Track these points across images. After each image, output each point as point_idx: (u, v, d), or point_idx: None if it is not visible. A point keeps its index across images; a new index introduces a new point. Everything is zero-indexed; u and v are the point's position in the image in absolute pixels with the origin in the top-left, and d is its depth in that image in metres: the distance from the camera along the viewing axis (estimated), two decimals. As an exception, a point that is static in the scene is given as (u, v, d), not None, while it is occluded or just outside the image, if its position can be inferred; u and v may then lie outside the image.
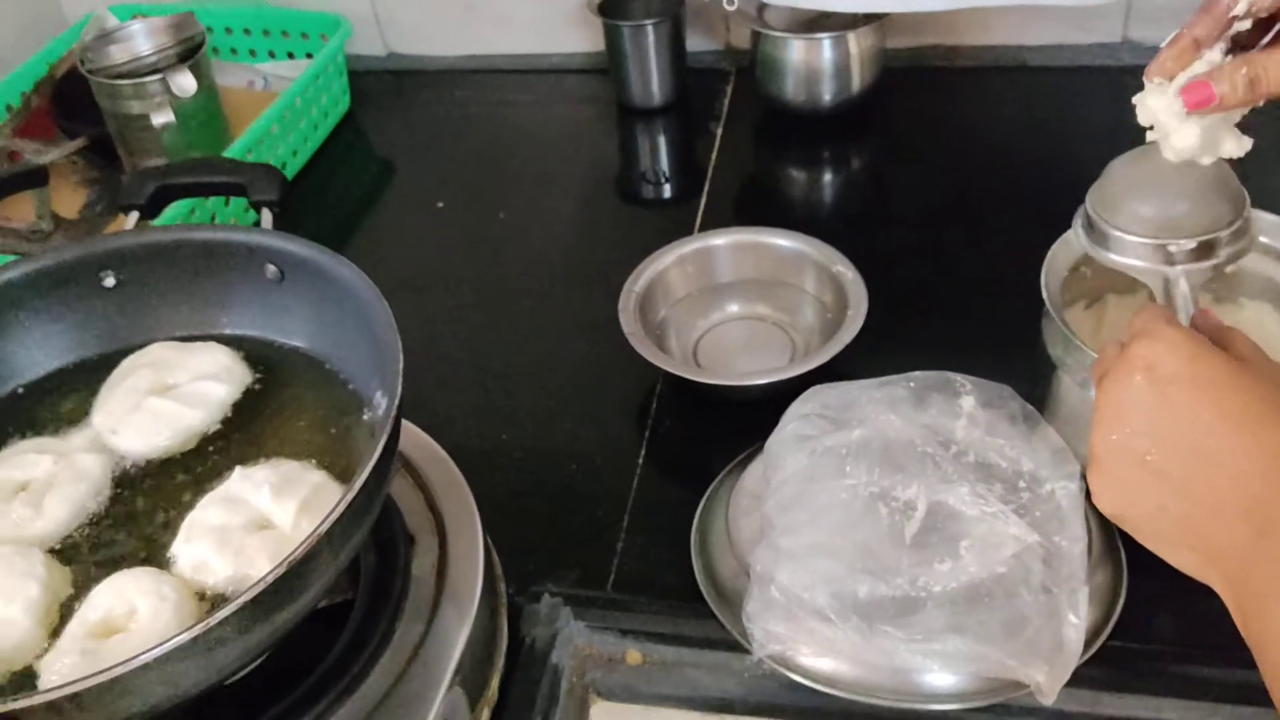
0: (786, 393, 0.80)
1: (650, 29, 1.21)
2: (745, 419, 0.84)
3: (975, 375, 0.78)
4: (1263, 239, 0.82)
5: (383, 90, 1.39)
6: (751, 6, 1.17)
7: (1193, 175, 0.63)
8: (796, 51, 1.16)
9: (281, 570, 0.53)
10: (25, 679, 0.58)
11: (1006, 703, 0.68)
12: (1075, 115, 1.18)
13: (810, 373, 0.85)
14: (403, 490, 0.76)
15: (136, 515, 0.66)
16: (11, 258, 0.92)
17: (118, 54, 1.13)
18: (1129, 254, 0.65)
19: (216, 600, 0.61)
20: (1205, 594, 0.53)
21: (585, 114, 1.32)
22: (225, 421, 0.71)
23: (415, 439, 0.80)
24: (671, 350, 0.94)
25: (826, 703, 0.70)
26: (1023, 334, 0.86)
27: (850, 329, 0.87)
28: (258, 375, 0.74)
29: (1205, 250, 0.63)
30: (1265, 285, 0.84)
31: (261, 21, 1.35)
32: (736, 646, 0.72)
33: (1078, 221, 0.69)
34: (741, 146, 1.23)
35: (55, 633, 0.60)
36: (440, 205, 1.20)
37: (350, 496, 0.56)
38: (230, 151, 1.11)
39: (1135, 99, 0.63)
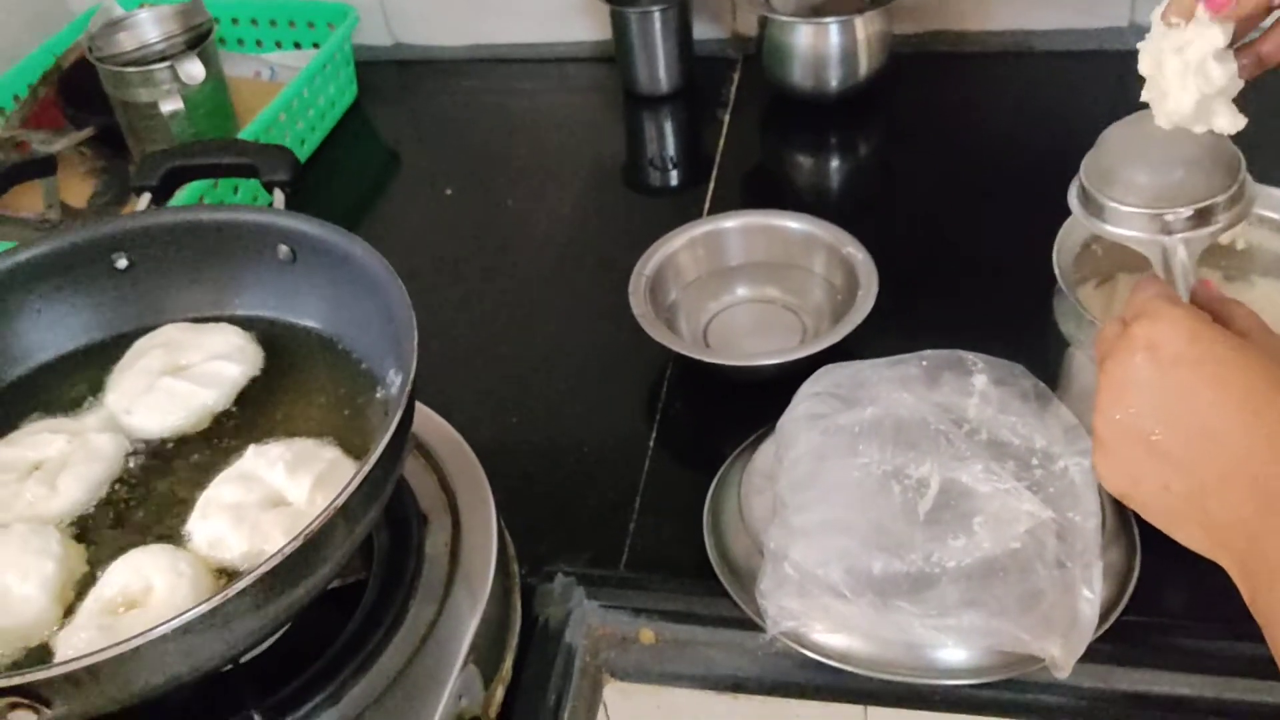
0: (797, 374, 0.80)
1: (657, 16, 1.21)
2: (756, 400, 0.83)
3: (986, 354, 0.78)
4: (1274, 215, 0.82)
5: (389, 80, 1.39)
6: (759, -9, 1.17)
7: (1187, 141, 0.63)
8: (803, 37, 1.16)
9: (298, 544, 0.53)
10: (42, 654, 0.58)
11: (1021, 677, 0.68)
12: (1081, 99, 1.18)
13: (821, 353, 0.85)
14: (416, 471, 0.76)
15: (151, 493, 0.66)
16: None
17: (126, 41, 1.13)
18: (1125, 225, 0.64)
19: (233, 576, 0.61)
20: (1217, 569, 0.53)
21: (592, 102, 1.32)
22: (238, 401, 0.71)
23: (428, 421, 0.80)
24: (682, 333, 0.94)
25: (841, 680, 0.70)
26: (1033, 313, 0.86)
27: (861, 309, 0.87)
28: (270, 355, 0.74)
29: (1203, 217, 0.62)
30: (1276, 262, 0.84)
31: (268, 11, 1.35)
32: (750, 625, 0.72)
33: (1073, 193, 0.68)
34: (749, 133, 1.23)
35: (71, 609, 0.60)
36: (449, 192, 1.20)
37: (366, 469, 0.56)
38: (238, 139, 1.11)
39: (1140, 45, 0.62)
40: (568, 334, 1.00)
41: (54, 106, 1.26)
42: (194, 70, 1.11)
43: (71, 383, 0.73)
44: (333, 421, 0.69)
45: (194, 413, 0.70)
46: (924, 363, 0.78)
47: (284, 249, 0.73)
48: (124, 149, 1.21)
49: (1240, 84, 0.61)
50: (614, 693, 0.77)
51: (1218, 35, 0.59)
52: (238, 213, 0.75)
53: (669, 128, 1.28)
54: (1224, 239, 0.85)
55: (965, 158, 1.15)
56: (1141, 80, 0.63)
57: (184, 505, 0.64)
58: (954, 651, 0.68)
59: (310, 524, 0.53)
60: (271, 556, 0.52)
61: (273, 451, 0.65)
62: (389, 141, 1.32)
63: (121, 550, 0.62)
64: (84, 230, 0.75)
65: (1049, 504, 0.70)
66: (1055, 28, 1.25)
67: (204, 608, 0.50)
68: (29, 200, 1.17)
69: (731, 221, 0.98)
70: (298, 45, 1.35)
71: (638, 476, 0.86)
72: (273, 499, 0.63)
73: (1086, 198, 0.67)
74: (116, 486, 0.67)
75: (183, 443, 0.69)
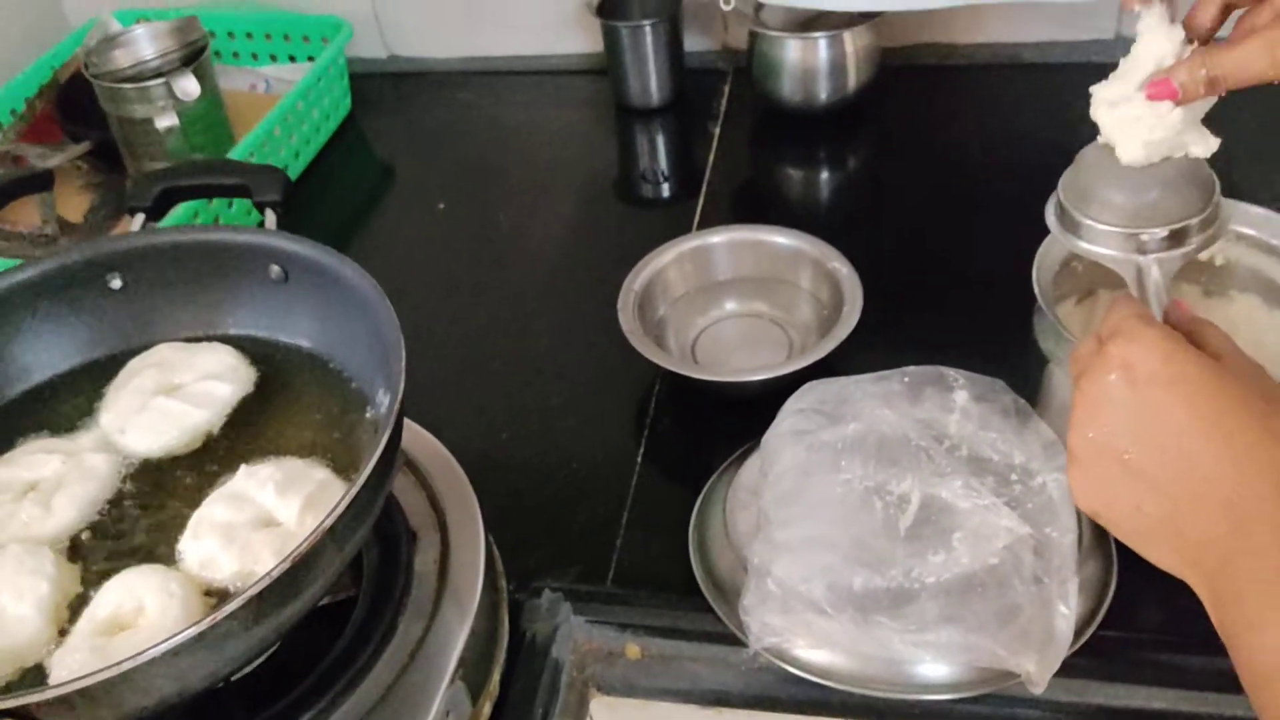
0: (783, 389, 0.81)
1: (648, 29, 1.22)
2: (743, 415, 0.84)
3: (969, 369, 0.79)
4: (1251, 232, 0.84)
5: (384, 92, 1.40)
6: (748, 6, 1.18)
7: (1163, 163, 0.64)
8: (793, 51, 1.17)
9: (286, 566, 0.54)
10: (36, 675, 0.60)
11: (999, 692, 0.69)
12: (1069, 111, 1.18)
13: (806, 369, 0.86)
14: (405, 488, 0.77)
15: (144, 513, 0.67)
16: (17, 262, 0.94)
17: (121, 58, 1.14)
18: (1101, 243, 0.65)
19: (223, 596, 0.62)
20: (1191, 586, 0.54)
21: (584, 115, 1.33)
22: (230, 420, 0.72)
23: (417, 437, 0.81)
24: (670, 348, 0.95)
25: (823, 694, 0.71)
26: (1016, 328, 0.87)
27: (845, 325, 0.88)
28: (262, 374, 0.75)
29: (1177, 238, 0.63)
30: (1255, 278, 0.85)
31: (263, 25, 1.36)
32: (734, 640, 0.73)
33: (1051, 209, 0.68)
34: (739, 145, 1.24)
35: (65, 630, 0.61)
36: (441, 207, 1.21)
37: (354, 492, 0.57)
38: (233, 155, 1.12)
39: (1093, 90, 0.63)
40: (559, 349, 1.01)
41: (51, 120, 1.28)
42: (189, 87, 1.13)
43: (67, 402, 0.75)
44: (323, 441, 0.71)
45: (187, 432, 0.71)
46: (906, 379, 0.79)
47: (276, 269, 0.75)
48: (120, 163, 1.22)
49: (1208, 102, 0.62)
50: (600, 707, 0.78)
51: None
52: (230, 233, 0.77)
53: (660, 140, 1.29)
54: (1203, 255, 0.86)
55: (953, 170, 1.16)
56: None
57: (176, 525, 0.65)
58: (933, 666, 0.69)
59: (298, 547, 0.54)
60: (259, 580, 0.53)
61: (263, 472, 0.66)
62: (383, 154, 1.33)
63: (115, 570, 0.63)
64: (79, 251, 0.76)
65: (1027, 520, 0.71)
66: (1042, 40, 1.26)
67: (192, 631, 0.51)
68: (26, 215, 1.18)
69: (719, 237, 0.99)
70: (293, 59, 1.37)
71: (626, 492, 0.87)
72: (263, 519, 0.64)
73: (1063, 215, 0.67)
74: (110, 506, 0.68)
75: (175, 462, 0.70)
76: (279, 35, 1.36)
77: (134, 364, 0.74)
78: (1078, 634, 0.70)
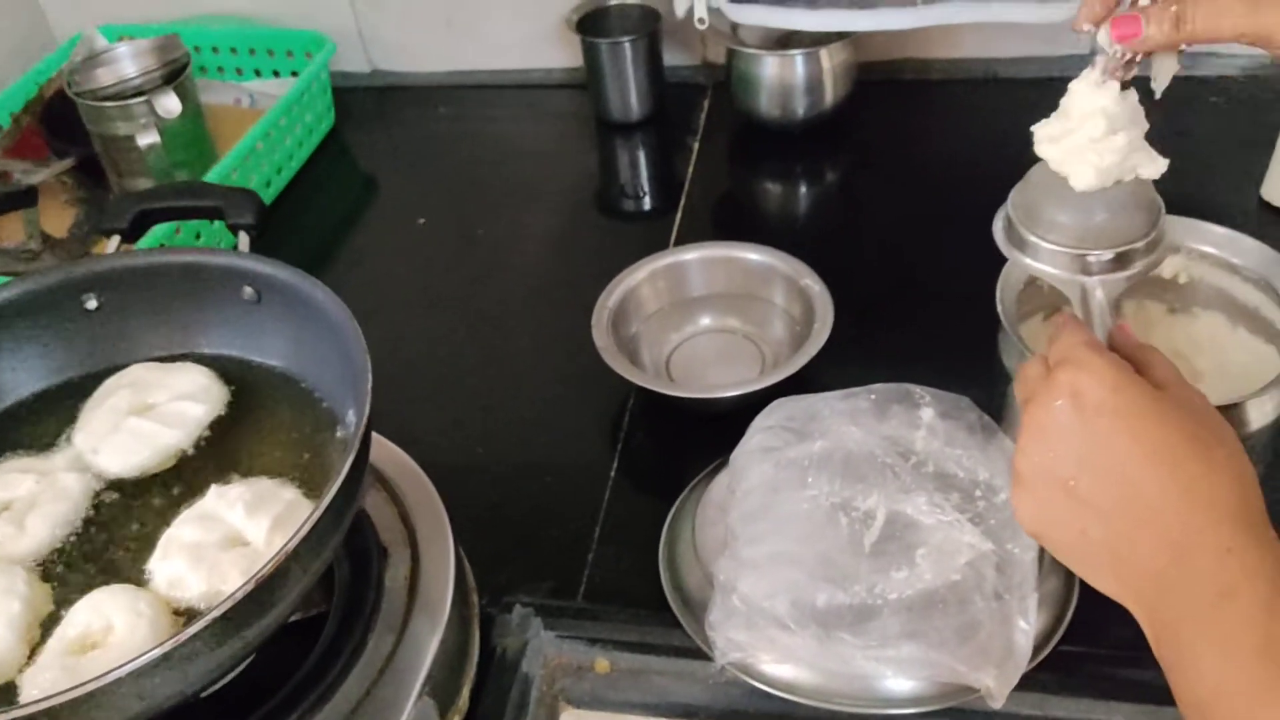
0: (755, 404, 0.82)
1: (628, 46, 1.24)
2: (716, 431, 0.85)
3: (938, 385, 0.80)
4: (1214, 251, 0.85)
5: (367, 106, 1.41)
6: (726, 24, 1.20)
7: (1112, 186, 0.63)
8: (770, 67, 1.19)
9: (250, 587, 0.55)
10: (7, 693, 0.60)
11: (960, 706, 0.70)
12: (1044, 127, 1.20)
13: (778, 385, 0.88)
14: (377, 504, 0.78)
15: (116, 533, 0.68)
16: (1, 278, 0.95)
17: (104, 76, 1.15)
18: (1046, 261, 0.65)
19: (192, 615, 0.63)
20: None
21: (565, 129, 1.34)
22: (203, 440, 0.73)
23: (389, 454, 0.82)
24: (645, 364, 0.96)
25: (788, 709, 0.72)
26: (984, 345, 0.88)
27: (816, 342, 0.89)
28: (235, 394, 0.76)
29: (1122, 261, 0.63)
30: (1218, 296, 0.86)
31: (247, 41, 1.37)
32: (702, 654, 0.74)
33: (999, 224, 0.68)
34: (718, 160, 1.25)
35: (36, 648, 0.62)
36: (422, 222, 1.22)
37: (317, 515, 0.58)
38: (215, 170, 1.13)
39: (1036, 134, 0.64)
40: (535, 364, 1.03)
41: (36, 136, 1.29)
42: (170, 105, 1.14)
43: (41, 422, 0.75)
44: (294, 460, 0.71)
45: (159, 452, 0.72)
46: (873, 396, 0.80)
47: (248, 290, 0.76)
48: (104, 179, 1.23)
49: (1145, 124, 0.62)
50: (570, 720, 0.79)
51: (1099, 124, 0.60)
52: (204, 255, 0.78)
53: (640, 155, 1.30)
54: (1167, 273, 0.87)
55: (929, 186, 1.17)
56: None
57: (147, 545, 0.66)
58: (894, 682, 0.70)
59: (261, 568, 0.55)
60: (223, 601, 0.54)
61: (233, 492, 0.67)
62: (366, 168, 1.34)
63: (86, 590, 0.64)
64: (55, 272, 0.77)
65: (990, 536, 0.72)
66: (1018, 56, 1.28)
67: (156, 652, 0.52)
68: (10, 230, 1.19)
69: (692, 254, 1.00)
70: (277, 74, 1.38)
71: (599, 507, 0.88)
72: (232, 539, 0.65)
73: (1011, 231, 0.67)
74: (83, 526, 0.69)
75: (148, 482, 0.71)
76: (263, 50, 1.37)
77: (108, 384, 0.75)
78: (1039, 649, 0.71)
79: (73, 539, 0.68)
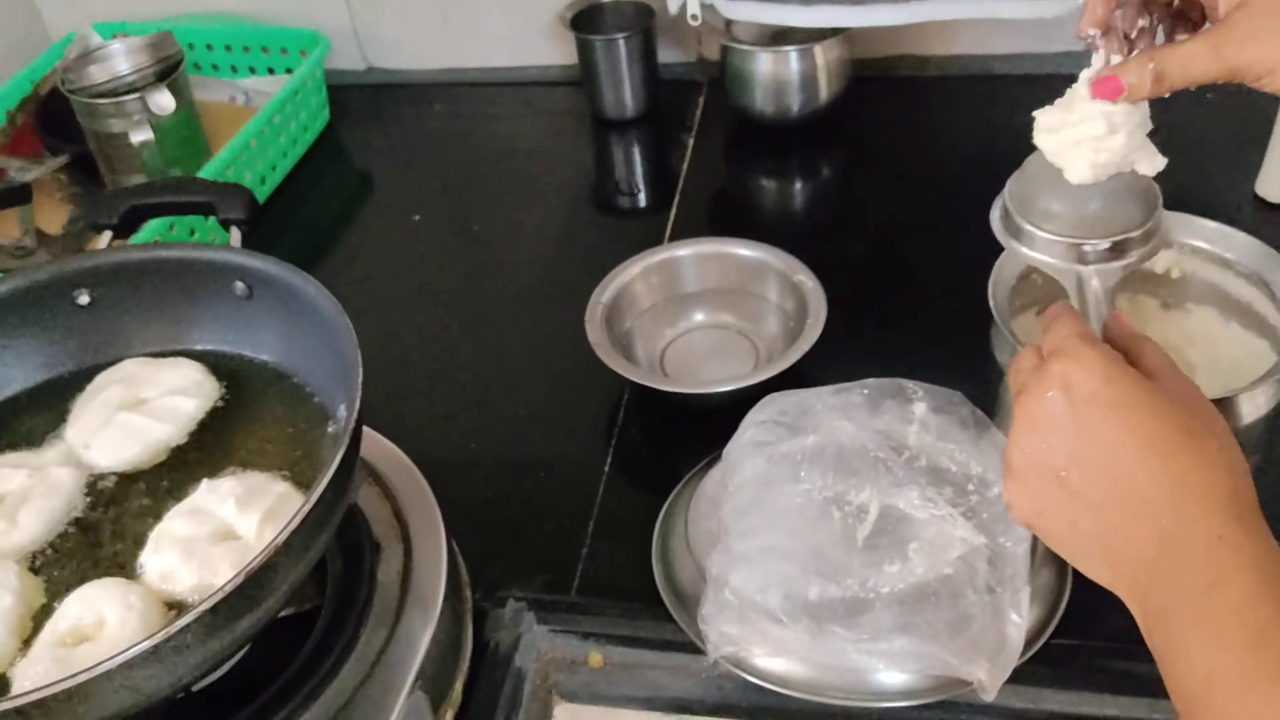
0: (749, 399, 0.82)
1: (622, 43, 1.24)
2: (709, 425, 0.86)
3: (931, 380, 0.80)
4: (1206, 246, 0.85)
5: (362, 104, 1.41)
6: (719, 20, 1.19)
7: (1109, 178, 0.64)
8: (764, 64, 1.19)
9: (239, 580, 0.55)
10: (0, 685, 0.60)
11: (953, 699, 0.70)
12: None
13: (771, 379, 0.88)
14: (370, 499, 0.78)
15: (107, 527, 0.68)
16: (-5, 274, 0.95)
17: (97, 74, 1.15)
18: (1042, 250, 0.65)
19: (182, 609, 0.63)
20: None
21: (560, 126, 1.34)
22: (194, 435, 0.73)
23: (382, 449, 0.82)
24: (639, 359, 0.96)
25: (780, 702, 0.72)
26: (977, 340, 0.88)
27: (809, 337, 0.89)
28: (227, 389, 0.76)
29: (1118, 250, 0.64)
30: (1211, 291, 0.86)
31: (242, 38, 1.37)
32: (695, 648, 0.74)
33: (996, 212, 0.68)
34: (712, 156, 1.25)
35: (28, 641, 0.62)
36: (417, 219, 1.22)
37: (307, 509, 0.58)
38: (209, 167, 1.13)
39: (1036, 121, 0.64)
40: (530, 359, 1.03)
41: (31, 133, 1.29)
42: (164, 101, 1.14)
43: (34, 417, 0.76)
44: (285, 454, 0.71)
45: (150, 447, 0.72)
46: (866, 391, 0.80)
47: (240, 285, 0.76)
48: (99, 176, 1.23)
49: (1149, 124, 0.62)
50: (563, 714, 0.79)
51: (1099, 124, 0.60)
52: (195, 251, 0.78)
53: (635, 151, 1.30)
54: (1160, 269, 0.87)
55: (923, 181, 1.17)
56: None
57: (138, 539, 0.66)
58: (887, 675, 0.70)
59: (250, 562, 0.55)
60: (212, 594, 0.54)
61: (224, 486, 0.67)
62: (361, 165, 1.34)
63: (78, 583, 0.64)
64: (48, 268, 0.77)
65: (982, 530, 0.72)
66: (1012, 52, 1.28)
67: (147, 645, 0.52)
68: (4, 226, 1.19)
69: (686, 250, 1.00)
70: (271, 71, 1.38)
71: (592, 501, 0.88)
72: (223, 533, 0.65)
73: (1008, 219, 0.68)
74: (75, 520, 0.69)
75: (139, 477, 0.71)
76: (257, 48, 1.37)
77: (100, 379, 0.75)
78: (1031, 642, 0.72)
79: (65, 533, 0.68)
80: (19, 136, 1.28)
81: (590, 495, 0.88)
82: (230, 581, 0.54)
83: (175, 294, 0.77)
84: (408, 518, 0.77)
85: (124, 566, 0.66)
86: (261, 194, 1.23)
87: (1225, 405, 0.75)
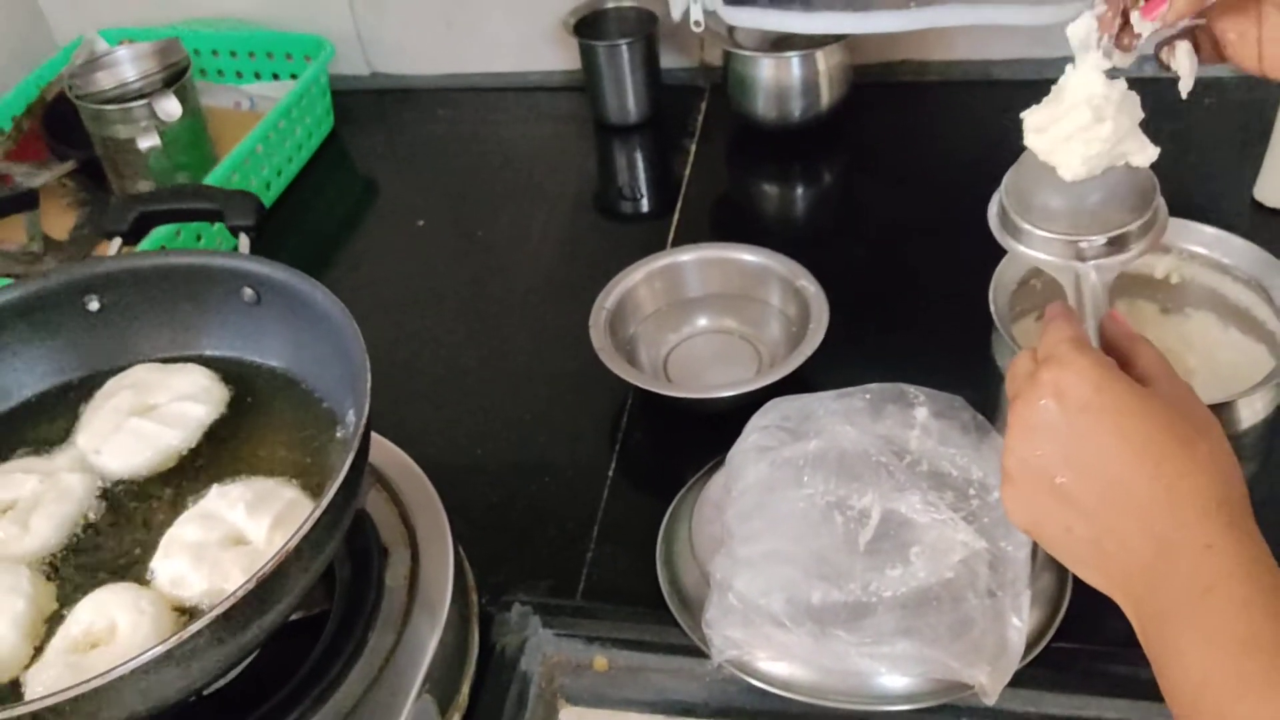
0: (752, 404, 0.83)
1: (625, 48, 1.24)
2: (713, 430, 0.86)
3: (932, 385, 0.81)
4: (1204, 251, 0.85)
5: (367, 109, 1.42)
6: (722, 26, 1.20)
7: (1104, 172, 0.64)
8: (766, 69, 1.19)
9: (251, 585, 0.55)
10: (12, 691, 0.61)
11: (954, 703, 0.71)
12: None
13: (774, 385, 0.88)
14: (377, 504, 0.79)
15: (118, 532, 0.69)
16: (3, 279, 0.95)
17: (104, 80, 1.16)
18: (1039, 248, 0.65)
19: (193, 614, 0.63)
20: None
21: (563, 131, 1.35)
22: (204, 440, 0.74)
23: (390, 454, 0.83)
24: (642, 364, 0.97)
25: (784, 705, 0.73)
26: (978, 345, 0.89)
27: (811, 343, 0.90)
28: (236, 395, 0.77)
29: (1116, 245, 0.64)
30: (1209, 296, 0.87)
31: (247, 44, 1.38)
32: (699, 652, 0.75)
33: (993, 211, 0.68)
34: (715, 161, 1.26)
35: (41, 647, 0.63)
36: (421, 224, 1.23)
37: (317, 514, 0.58)
38: (215, 173, 1.14)
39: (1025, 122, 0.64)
40: (534, 364, 1.03)
41: (38, 139, 1.30)
42: (170, 108, 1.14)
43: (44, 422, 0.76)
44: (294, 460, 0.72)
45: (160, 453, 0.72)
46: (868, 396, 0.81)
47: (249, 292, 0.76)
48: (105, 182, 1.24)
49: (1139, 113, 0.63)
50: (568, 718, 0.80)
51: (1084, 112, 0.61)
52: (204, 257, 0.78)
53: (638, 157, 1.31)
54: (1159, 274, 0.88)
55: (924, 187, 1.18)
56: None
57: (149, 544, 0.67)
58: (889, 678, 0.71)
59: (262, 567, 0.56)
60: (224, 600, 0.55)
61: (234, 491, 0.68)
62: (365, 170, 1.35)
63: (89, 588, 0.65)
64: (58, 274, 0.78)
65: (983, 534, 0.73)
66: (1014, 57, 1.28)
67: (159, 650, 0.53)
68: (12, 232, 1.19)
69: (688, 255, 1.01)
70: (276, 76, 1.38)
71: (597, 506, 0.89)
72: (233, 538, 0.66)
73: (1004, 218, 0.67)
74: (86, 526, 0.70)
75: (150, 482, 0.72)
76: (262, 54, 1.38)
77: (110, 385, 0.76)
78: (1032, 645, 0.72)
79: (76, 538, 0.69)
80: (26, 142, 1.29)
81: (595, 500, 0.89)
82: (241, 587, 0.55)
83: (184, 300, 0.78)
84: (415, 523, 0.78)
85: (134, 572, 0.66)
86: (267, 200, 1.24)
87: (1223, 410, 0.76)
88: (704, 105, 1.33)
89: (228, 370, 0.78)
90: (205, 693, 0.64)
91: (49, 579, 0.67)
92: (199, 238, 1.11)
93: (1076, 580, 0.75)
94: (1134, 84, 0.63)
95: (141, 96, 1.16)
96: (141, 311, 0.79)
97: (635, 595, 0.81)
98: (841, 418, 0.80)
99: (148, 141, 1.16)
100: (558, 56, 1.38)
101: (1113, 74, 0.62)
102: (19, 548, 0.68)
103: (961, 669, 0.68)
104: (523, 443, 0.96)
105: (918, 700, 0.71)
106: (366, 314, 1.08)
